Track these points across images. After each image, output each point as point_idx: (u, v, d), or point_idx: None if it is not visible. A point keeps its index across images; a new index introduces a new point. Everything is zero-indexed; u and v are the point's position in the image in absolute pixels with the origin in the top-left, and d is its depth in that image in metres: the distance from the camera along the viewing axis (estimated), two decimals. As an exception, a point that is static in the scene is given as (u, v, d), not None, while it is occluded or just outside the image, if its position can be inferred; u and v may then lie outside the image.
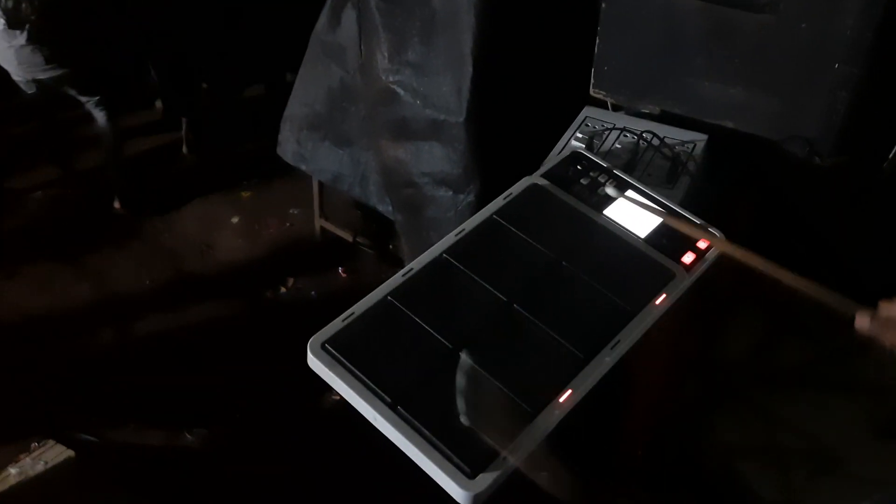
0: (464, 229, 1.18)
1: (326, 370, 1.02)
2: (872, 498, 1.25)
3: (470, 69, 1.79)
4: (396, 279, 1.12)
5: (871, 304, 0.97)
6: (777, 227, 1.68)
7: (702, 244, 1.18)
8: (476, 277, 1.12)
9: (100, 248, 2.56)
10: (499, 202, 1.22)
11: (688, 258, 1.17)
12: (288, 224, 2.71)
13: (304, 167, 2.32)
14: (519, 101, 1.91)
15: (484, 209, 1.21)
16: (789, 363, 2.00)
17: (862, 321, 0.96)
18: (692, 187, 1.40)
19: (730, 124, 1.52)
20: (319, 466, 1.96)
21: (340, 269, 2.54)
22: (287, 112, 2.27)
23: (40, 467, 1.78)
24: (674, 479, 1.77)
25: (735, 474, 1.86)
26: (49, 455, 1.81)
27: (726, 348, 1.96)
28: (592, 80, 1.62)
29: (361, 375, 1.00)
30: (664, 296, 1.13)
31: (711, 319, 1.80)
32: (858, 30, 1.35)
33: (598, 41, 1.57)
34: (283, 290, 2.48)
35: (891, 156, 1.49)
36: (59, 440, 1.86)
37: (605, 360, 1.05)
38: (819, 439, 1.90)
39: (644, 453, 1.74)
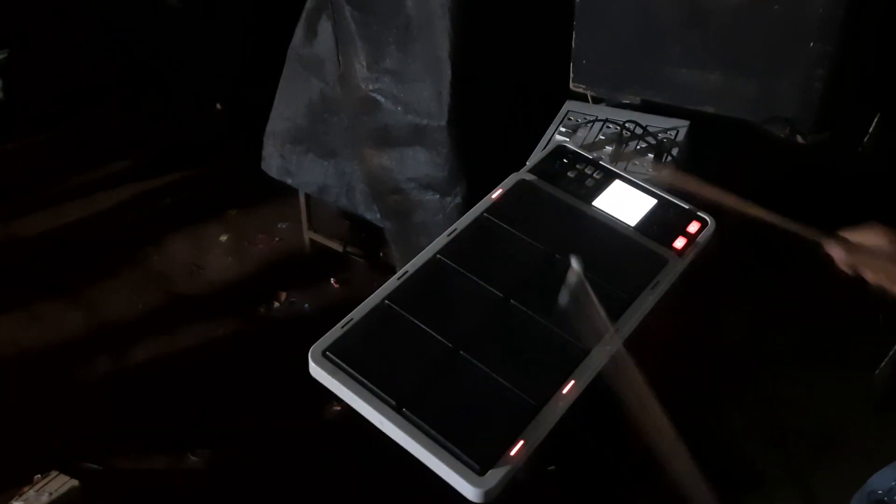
0: (456, 229, 1.19)
1: (329, 377, 1.02)
2: (890, 468, 1.26)
3: (448, 72, 1.80)
4: (392, 283, 1.12)
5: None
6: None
7: (692, 227, 1.19)
8: (471, 276, 1.12)
9: (90, 276, 2.54)
10: (488, 200, 1.23)
11: (679, 243, 1.18)
12: (277, 238, 2.70)
13: (289, 181, 2.32)
14: (500, 101, 1.93)
15: (474, 208, 1.22)
16: (785, 343, 2.03)
17: (836, 250, 0.97)
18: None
19: (710, 109, 1.54)
20: (326, 478, 1.95)
21: (332, 280, 2.53)
22: (269, 128, 2.27)
23: (45, 499, 1.76)
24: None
25: (739, 456, 1.88)
26: (53, 486, 1.79)
27: (723, 332, 1.98)
28: (572, 75, 1.63)
29: (364, 380, 1.01)
30: (658, 282, 1.14)
31: (707, 305, 1.82)
32: (829, 8, 1.37)
33: (574, 35, 1.59)
34: (276, 304, 2.47)
35: (870, 130, 1.52)
36: (63, 470, 1.84)
37: (606, 349, 1.06)
38: (819, 416, 1.92)
39: (648, 442, 1.75)
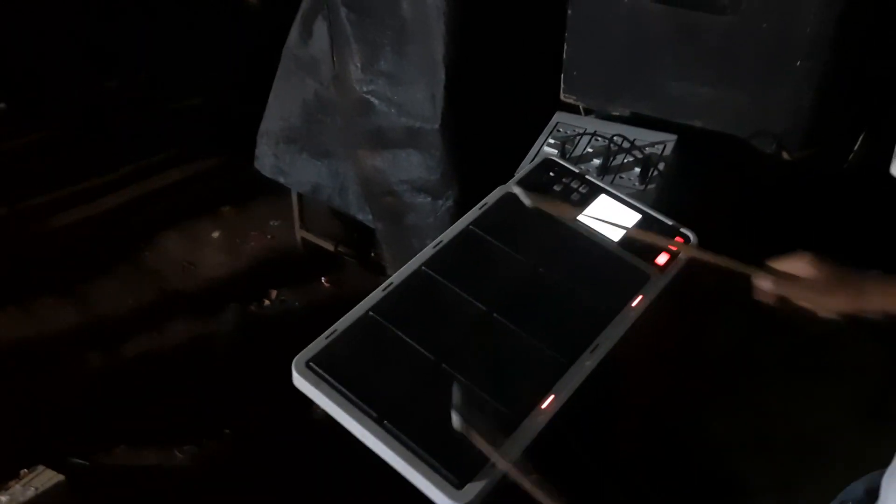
0: (441, 241, 1.20)
1: (312, 388, 1.03)
2: (863, 479, 1.28)
3: (443, 76, 1.80)
4: (377, 294, 1.13)
5: None
6: (750, 222, 1.71)
7: (675, 244, 1.21)
8: (455, 288, 1.14)
9: (82, 271, 2.55)
10: (474, 212, 1.24)
11: (661, 259, 1.19)
12: (269, 237, 2.71)
13: (282, 180, 2.33)
14: (493, 106, 1.94)
15: (460, 220, 1.23)
16: (771, 354, 2.04)
17: (764, 282, 0.98)
18: (664, 188, 1.43)
19: (698, 123, 1.55)
20: (312, 477, 1.97)
21: (323, 280, 2.54)
22: (263, 126, 2.28)
23: (31, 493, 1.77)
24: (667, 474, 1.80)
25: (726, 465, 1.89)
26: (39, 481, 1.80)
27: (710, 343, 2.00)
28: (563, 85, 1.64)
29: (346, 392, 1.02)
30: (640, 297, 1.15)
31: (694, 316, 1.83)
32: (818, 26, 1.38)
33: (566, 46, 1.59)
34: (267, 303, 2.48)
35: (856, 147, 1.53)
36: (50, 465, 1.85)
37: (586, 364, 1.07)
38: (805, 425, 1.94)
39: (637, 451, 1.77)
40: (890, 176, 1.22)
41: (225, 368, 2.26)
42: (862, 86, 1.48)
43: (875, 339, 1.91)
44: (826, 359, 2.03)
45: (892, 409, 1.90)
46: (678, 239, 1.21)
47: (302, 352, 1.07)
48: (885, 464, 1.14)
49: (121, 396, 2.17)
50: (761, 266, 0.99)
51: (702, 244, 1.20)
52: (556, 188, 1.27)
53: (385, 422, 1.00)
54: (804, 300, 0.96)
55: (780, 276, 0.98)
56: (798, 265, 0.97)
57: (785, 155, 1.50)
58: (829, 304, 0.95)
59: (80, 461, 1.99)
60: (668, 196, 1.41)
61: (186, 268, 2.59)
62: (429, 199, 1.97)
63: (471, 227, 1.21)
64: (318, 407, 2.08)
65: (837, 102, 1.47)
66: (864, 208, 1.67)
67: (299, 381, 1.05)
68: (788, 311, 0.99)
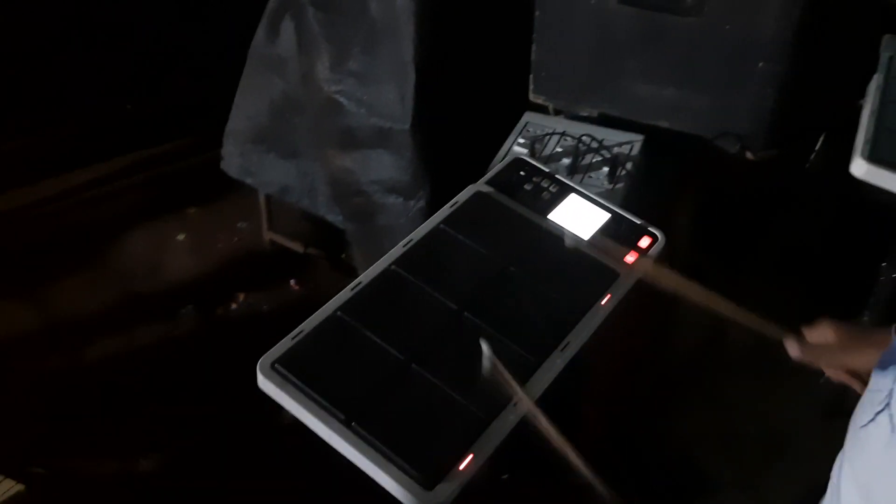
0: (411, 240, 1.19)
1: (277, 390, 1.02)
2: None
3: (413, 76, 1.80)
4: (345, 293, 1.12)
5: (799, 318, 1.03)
6: (714, 220, 1.74)
7: (643, 242, 1.22)
8: (425, 287, 1.13)
9: (45, 273, 2.49)
10: (445, 211, 1.23)
11: (630, 257, 1.20)
12: (236, 238, 2.68)
13: (249, 181, 2.30)
14: (463, 106, 1.94)
15: (430, 218, 1.23)
16: (735, 351, 2.07)
17: (792, 348, 1.03)
18: (632, 187, 1.45)
19: (664, 124, 1.57)
20: (280, 482, 1.94)
21: (292, 282, 2.52)
22: (229, 126, 2.25)
23: (-11, 504, 1.73)
24: (633, 471, 1.81)
25: (692, 461, 1.92)
26: (-3, 491, 1.76)
27: (675, 340, 2.02)
28: (531, 86, 1.65)
29: (313, 394, 1.00)
30: (609, 296, 1.16)
31: (658, 313, 1.85)
32: (779, 29, 1.41)
33: (534, 48, 1.60)
34: (234, 305, 2.45)
35: (817, 148, 1.57)
36: (8, 474, 1.80)
37: (556, 363, 1.07)
38: (769, 422, 1.97)
39: (603, 448, 1.78)
40: (849, 175, 1.26)
41: (190, 372, 2.22)
42: (822, 87, 1.52)
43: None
44: (785, 356, 2.07)
45: (852, 405, 1.94)
46: (646, 237, 1.22)
47: (267, 353, 1.05)
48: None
49: (82, 402, 2.13)
50: (790, 332, 1.05)
51: (669, 242, 1.22)
52: (527, 187, 1.27)
53: (353, 423, 0.98)
54: (834, 362, 1.03)
55: (809, 343, 1.04)
56: (822, 332, 1.03)
57: (749, 155, 1.53)
58: (858, 362, 1.00)
59: (40, 470, 1.95)
60: (635, 195, 1.43)
61: (151, 270, 2.55)
62: (400, 199, 1.97)
63: (441, 225, 1.21)
64: (286, 411, 2.06)
65: (799, 103, 1.50)
66: (827, 206, 1.71)
67: (264, 384, 1.03)
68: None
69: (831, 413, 1.97)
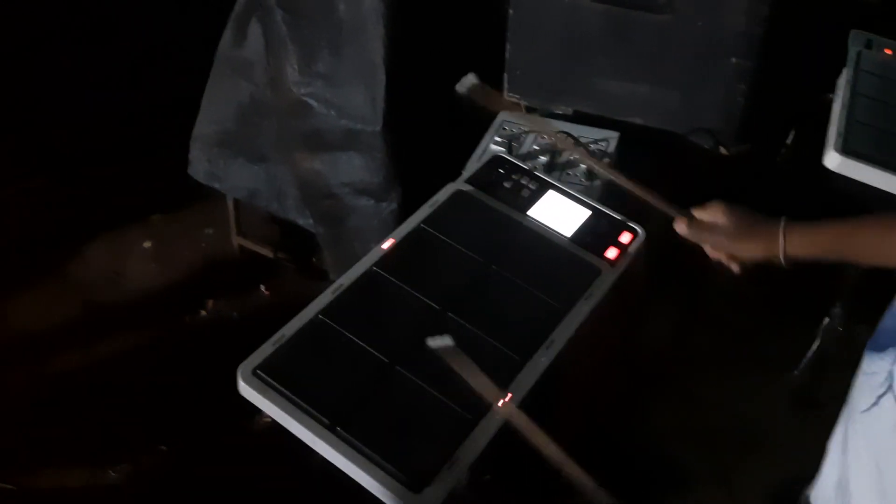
0: (392, 240, 1.18)
1: (260, 397, 0.99)
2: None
3: (383, 77, 1.79)
4: (326, 296, 1.10)
5: None
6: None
7: (624, 237, 1.22)
8: (408, 288, 1.11)
9: (2, 285, 2.41)
10: (425, 210, 1.22)
11: (611, 253, 1.20)
12: (203, 245, 2.62)
13: (217, 186, 2.26)
14: (435, 106, 1.92)
15: (410, 218, 1.21)
16: (706, 347, 2.10)
17: (680, 226, 1.06)
18: (609, 183, 1.45)
19: (638, 120, 1.58)
20: (255, 495, 1.90)
21: (262, 287, 2.47)
22: (196, 131, 2.20)
23: (-49, 524, 1.66)
24: (608, 467, 1.82)
25: (665, 456, 1.93)
26: (-40, 510, 1.69)
27: (647, 338, 2.04)
28: (506, 85, 1.65)
29: (297, 399, 0.98)
30: (592, 291, 1.15)
31: (631, 310, 1.86)
32: (749, 25, 1.43)
33: (507, 46, 1.60)
34: (202, 313, 2.40)
35: (788, 141, 1.59)
36: (-28, 492, 1.74)
37: (542, 361, 1.07)
38: (742, 416, 2.00)
39: (577, 446, 1.79)
40: (820, 167, 1.28)
41: (159, 383, 2.17)
42: (792, 82, 1.54)
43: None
44: (755, 351, 2.10)
45: (822, 397, 1.98)
46: (627, 233, 1.22)
47: (247, 359, 1.02)
48: (820, 452, 1.18)
49: (48, 416, 2.05)
50: (682, 211, 1.06)
51: (648, 237, 1.22)
52: (507, 185, 1.27)
53: (338, 428, 0.96)
54: (718, 245, 1.04)
55: (697, 222, 1.05)
56: (714, 213, 1.04)
57: (722, 150, 1.55)
58: (741, 250, 1.01)
59: (6, 485, 1.88)
60: (613, 192, 1.43)
61: (115, 280, 2.48)
62: (371, 201, 1.95)
63: (422, 225, 1.20)
64: (261, 418, 2.03)
65: (769, 98, 1.53)
66: (798, 198, 1.74)
67: (246, 390, 1.00)
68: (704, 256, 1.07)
69: (802, 406, 2.00)
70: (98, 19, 2.74)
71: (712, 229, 1.04)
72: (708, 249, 1.06)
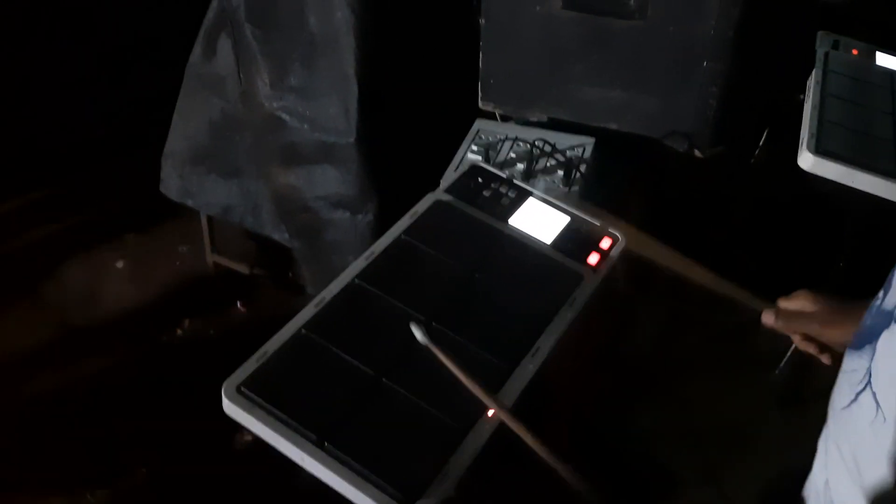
0: (373, 252, 1.16)
1: (244, 414, 0.97)
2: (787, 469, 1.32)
3: (356, 89, 1.78)
4: (309, 310, 1.08)
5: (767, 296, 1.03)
6: (666, 217, 1.77)
7: (605, 243, 1.22)
8: (391, 300, 1.10)
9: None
10: (406, 221, 1.21)
11: (593, 259, 1.20)
12: (178, 263, 2.59)
13: (190, 202, 2.23)
14: (409, 117, 1.92)
15: (391, 229, 1.20)
16: (692, 347, 2.11)
17: (768, 318, 1.03)
18: (586, 189, 1.46)
19: (613, 126, 1.59)
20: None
21: (239, 304, 2.45)
22: (167, 148, 2.18)
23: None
24: (596, 469, 1.81)
25: (654, 459, 1.94)
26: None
27: (634, 339, 2.05)
28: (480, 94, 1.65)
29: (283, 415, 0.96)
30: (576, 297, 1.15)
31: (617, 313, 1.87)
32: (720, 29, 1.45)
33: (481, 55, 1.61)
34: (178, 332, 2.36)
35: (761, 143, 1.61)
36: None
37: (528, 368, 1.06)
38: (727, 417, 2.01)
39: (564, 450, 1.78)
40: (794, 167, 1.29)
41: (136, 404, 2.13)
42: (764, 83, 1.57)
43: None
44: (739, 351, 2.12)
45: (806, 396, 2.00)
46: (607, 238, 1.22)
47: (231, 376, 1.00)
48: (805, 449, 1.19)
49: (23, 440, 2.01)
50: (766, 303, 1.04)
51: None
52: (486, 194, 1.26)
53: (326, 443, 0.94)
54: (812, 333, 1.00)
55: (785, 312, 1.02)
56: (801, 301, 1.01)
57: (697, 153, 1.56)
58: (836, 336, 0.98)
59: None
60: (590, 197, 1.44)
61: (88, 301, 2.44)
62: (347, 214, 1.94)
63: (403, 236, 1.18)
64: (242, 436, 1.99)
65: (742, 100, 1.55)
66: (772, 198, 1.77)
67: (230, 408, 0.98)
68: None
69: (787, 404, 2.02)
70: (77, 15, 2.69)
71: (802, 318, 1.00)
72: (797, 340, 1.02)
